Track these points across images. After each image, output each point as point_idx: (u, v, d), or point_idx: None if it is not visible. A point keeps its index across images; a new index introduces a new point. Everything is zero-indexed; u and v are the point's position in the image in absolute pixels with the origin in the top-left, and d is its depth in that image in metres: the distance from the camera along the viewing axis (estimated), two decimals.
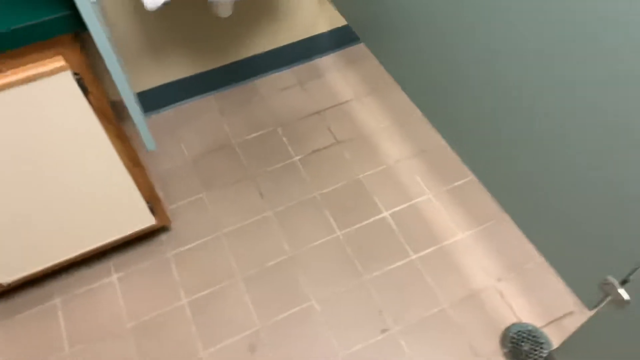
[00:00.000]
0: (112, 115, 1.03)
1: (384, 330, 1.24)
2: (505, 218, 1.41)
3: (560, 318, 1.25)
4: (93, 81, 0.96)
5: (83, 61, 0.92)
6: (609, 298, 0.89)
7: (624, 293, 0.85)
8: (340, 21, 1.79)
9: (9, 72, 0.86)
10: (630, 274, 0.83)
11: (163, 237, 1.42)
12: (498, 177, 1.10)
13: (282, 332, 1.25)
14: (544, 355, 1.18)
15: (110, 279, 1.35)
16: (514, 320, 1.25)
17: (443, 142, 1.57)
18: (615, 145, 0.75)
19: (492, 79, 0.98)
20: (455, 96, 1.12)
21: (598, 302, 0.93)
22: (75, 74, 0.91)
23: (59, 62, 0.88)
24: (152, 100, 1.68)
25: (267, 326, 1.26)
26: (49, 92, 0.91)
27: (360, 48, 1.85)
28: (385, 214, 1.44)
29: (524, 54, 0.87)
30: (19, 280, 1.24)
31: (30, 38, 0.83)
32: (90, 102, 0.97)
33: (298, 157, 1.57)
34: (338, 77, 1.78)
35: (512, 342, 1.21)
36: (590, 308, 0.97)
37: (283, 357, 1.21)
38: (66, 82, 0.91)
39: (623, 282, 0.85)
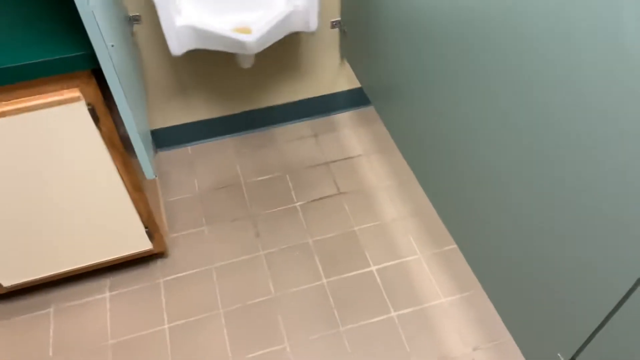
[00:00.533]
0: (120, 144, 1.14)
1: None
2: None
3: None
4: (104, 113, 1.07)
5: (97, 94, 1.03)
6: None
7: None
8: (358, 83, 1.89)
9: (31, 98, 0.98)
10: (576, 354, 0.84)
11: (159, 262, 1.49)
12: (476, 249, 1.13)
13: None
14: None
15: (103, 295, 1.43)
16: None
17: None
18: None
19: (482, 167, 1.03)
20: (441, 166, 1.18)
21: None
22: (88, 104, 1.03)
23: (75, 93, 1.00)
24: (174, 136, 1.80)
25: None
26: (64, 118, 1.03)
27: (374, 110, 1.94)
28: (373, 268, 1.48)
29: (511, 145, 0.92)
30: (18, 284, 1.34)
31: (53, 70, 0.95)
32: (100, 131, 1.08)
33: (299, 203, 1.64)
34: (350, 133, 1.86)
35: None
36: None
37: None
38: (80, 111, 1.03)
39: None
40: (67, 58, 0.94)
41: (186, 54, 1.59)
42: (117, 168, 1.17)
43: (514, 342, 1.31)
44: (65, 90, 1.00)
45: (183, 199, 1.66)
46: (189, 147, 1.83)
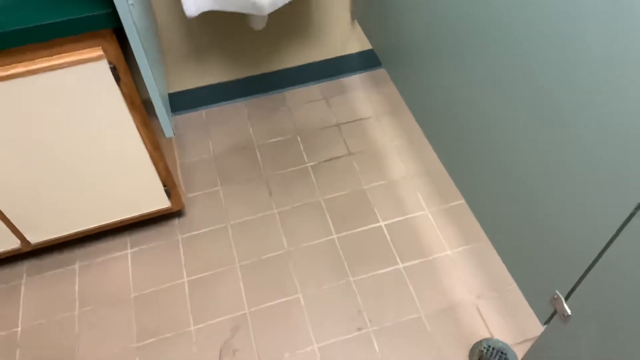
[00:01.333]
0: (140, 103, 1.19)
1: (359, 329, 1.33)
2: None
3: (532, 339, 1.29)
4: (126, 72, 1.12)
5: (119, 54, 1.08)
6: (556, 313, 0.95)
7: (567, 308, 0.91)
8: (369, 45, 1.92)
9: (55, 57, 1.03)
10: (572, 290, 0.90)
11: (176, 221, 1.56)
12: (480, 199, 1.18)
13: (266, 319, 1.35)
14: None
15: (125, 252, 1.50)
16: (487, 335, 1.31)
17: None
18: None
19: (485, 121, 1.07)
20: (454, 128, 1.22)
21: (549, 317, 0.99)
22: (110, 63, 1.08)
23: (97, 51, 1.05)
24: (190, 99, 1.85)
25: (254, 311, 1.37)
26: (87, 76, 1.08)
27: (384, 72, 1.97)
28: (382, 223, 1.54)
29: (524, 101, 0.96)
30: (44, 242, 1.42)
31: (76, 30, 1.00)
32: (121, 90, 1.13)
33: (311, 164, 1.69)
34: (361, 96, 1.90)
35: (480, 356, 1.26)
36: (543, 323, 1.02)
37: (261, 340, 1.32)
38: (102, 70, 1.08)
39: (567, 297, 0.92)
40: (89, 17, 0.99)
41: (200, 18, 1.62)
42: (137, 127, 1.22)
43: (514, 291, 1.38)
44: (88, 49, 1.04)
45: (198, 161, 1.72)
46: (202, 111, 1.87)
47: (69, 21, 0.98)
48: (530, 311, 1.34)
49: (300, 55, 1.87)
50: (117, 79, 1.11)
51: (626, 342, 0.80)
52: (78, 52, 1.04)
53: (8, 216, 1.29)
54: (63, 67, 1.05)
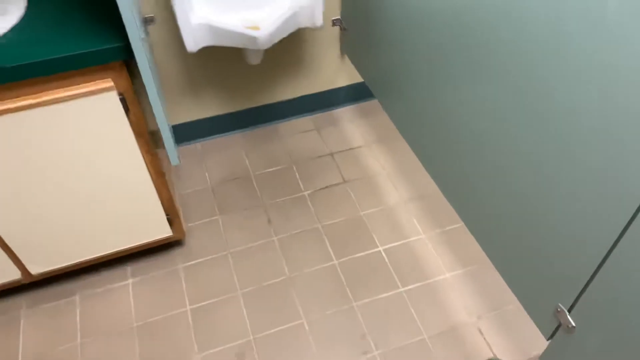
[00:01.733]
0: (146, 133, 1.22)
1: (364, 352, 1.34)
2: (488, 263, 1.51)
3: (535, 357, 1.31)
4: (134, 103, 1.15)
5: (128, 85, 1.12)
6: (561, 326, 0.99)
7: (571, 320, 0.95)
8: (358, 78, 1.99)
9: (67, 88, 1.06)
10: (575, 301, 0.93)
11: (177, 250, 1.57)
12: (479, 220, 1.22)
13: (271, 345, 1.35)
14: None
15: (126, 282, 1.50)
16: (490, 355, 1.33)
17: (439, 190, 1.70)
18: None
19: (486, 140, 1.13)
20: (449, 151, 1.28)
21: (553, 331, 1.03)
22: (120, 94, 1.11)
23: (107, 83, 1.08)
24: (185, 132, 1.88)
25: (258, 338, 1.37)
26: (97, 107, 1.11)
27: (373, 103, 2.04)
28: (380, 248, 1.57)
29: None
30: (45, 272, 1.41)
31: (89, 62, 1.04)
32: (129, 119, 1.16)
33: (307, 192, 1.73)
34: (351, 126, 1.96)
35: None
36: (547, 338, 1.05)
37: None
38: (111, 101, 1.11)
39: (570, 309, 0.95)
40: (103, 50, 1.03)
41: (197, 53, 1.67)
42: (143, 156, 1.25)
43: (514, 310, 1.41)
44: (98, 81, 1.08)
45: (196, 192, 1.74)
46: (198, 143, 1.91)
47: (84, 54, 1.02)
48: (532, 329, 1.37)
49: (292, 88, 1.93)
50: (126, 110, 1.14)
51: (632, 349, 0.83)
52: (89, 83, 1.08)
53: (11, 246, 1.29)
54: (74, 99, 1.08)
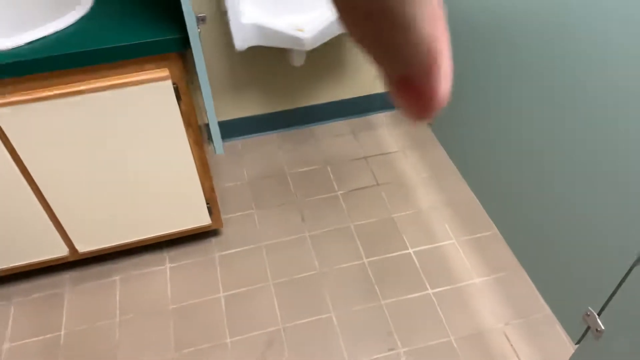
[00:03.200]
0: (195, 122, 1.29)
1: (390, 349, 1.36)
2: (518, 271, 1.52)
3: None
4: (185, 93, 1.22)
5: (182, 75, 1.19)
6: (589, 329, 1.00)
7: (600, 323, 0.96)
8: None
9: (128, 75, 1.14)
10: (605, 305, 0.95)
11: (213, 239, 1.63)
12: (514, 227, 1.24)
13: (299, 335, 1.39)
14: None
15: (164, 267, 1.57)
16: None
17: (473, 197, 1.71)
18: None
19: (526, 147, 1.16)
20: (489, 159, 1.31)
21: (582, 334, 1.04)
22: (174, 84, 1.18)
23: (164, 72, 1.16)
24: (226, 129, 1.96)
25: (288, 327, 1.41)
26: (152, 95, 1.18)
27: None
28: (410, 250, 1.59)
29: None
30: (91, 251, 1.49)
31: (149, 51, 1.11)
32: (180, 108, 1.23)
33: (340, 192, 1.77)
34: (387, 132, 2.00)
35: None
36: (575, 342, 1.06)
37: (294, 355, 1.35)
38: (166, 89, 1.19)
39: (600, 312, 0.96)
40: (163, 40, 1.10)
41: (242, 54, 1.75)
42: (190, 145, 1.32)
43: (542, 318, 1.41)
44: (156, 70, 1.15)
45: (233, 186, 1.81)
46: (238, 141, 1.98)
47: (145, 44, 1.09)
48: (558, 337, 1.37)
49: (331, 92, 1.99)
50: (178, 98, 1.21)
51: None
52: (147, 71, 1.15)
53: (63, 224, 1.37)
54: (132, 85, 1.15)
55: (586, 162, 0.92)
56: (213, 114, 1.23)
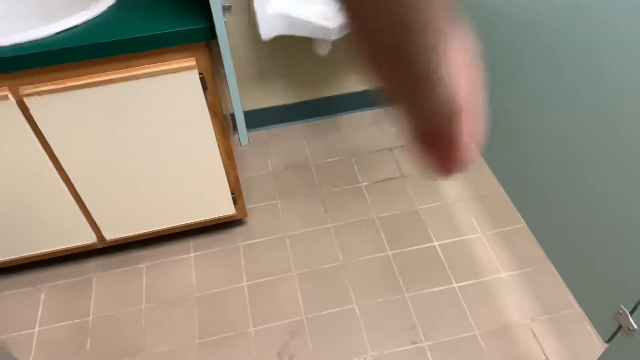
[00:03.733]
0: (221, 113, 1.29)
1: (413, 342, 1.35)
2: (546, 266, 1.49)
3: None
4: (212, 82, 1.22)
5: (208, 66, 1.19)
6: (621, 328, 0.97)
7: (633, 322, 0.93)
8: None
9: (156, 64, 1.15)
10: (639, 303, 0.92)
11: (237, 229, 1.64)
12: (544, 222, 1.21)
13: (322, 325, 1.39)
14: None
15: (189, 255, 1.58)
16: (542, 358, 1.31)
17: (500, 190, 1.68)
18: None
19: (558, 141, 1.13)
20: (518, 151, 1.27)
21: (613, 333, 1.01)
22: (200, 73, 1.18)
23: (191, 62, 1.16)
24: (251, 119, 1.96)
25: (311, 318, 1.41)
26: (179, 84, 1.19)
27: None
28: (435, 243, 1.57)
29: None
30: (117, 239, 1.51)
31: (176, 41, 1.11)
32: (206, 98, 1.24)
33: (364, 184, 1.76)
34: None
35: None
36: (606, 340, 1.04)
37: (317, 346, 1.35)
38: (193, 79, 1.19)
39: (633, 311, 0.94)
40: (189, 30, 1.10)
41: (267, 43, 1.74)
42: (216, 134, 1.32)
43: (570, 315, 1.38)
44: (183, 59, 1.15)
45: (258, 176, 1.81)
46: (262, 131, 1.98)
47: (172, 33, 1.10)
48: (587, 335, 1.34)
49: (356, 82, 1.96)
50: (204, 88, 1.21)
51: None
52: (174, 61, 1.15)
53: (91, 211, 1.39)
54: (159, 75, 1.16)
55: (621, 154, 0.89)
56: (238, 104, 1.23)
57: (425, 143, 0.21)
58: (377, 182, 1.76)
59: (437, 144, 0.21)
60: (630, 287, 0.94)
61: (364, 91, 2.00)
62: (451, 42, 0.19)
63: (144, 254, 1.59)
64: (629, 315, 0.94)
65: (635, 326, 0.93)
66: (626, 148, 0.88)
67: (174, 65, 1.15)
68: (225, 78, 1.21)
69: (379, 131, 1.94)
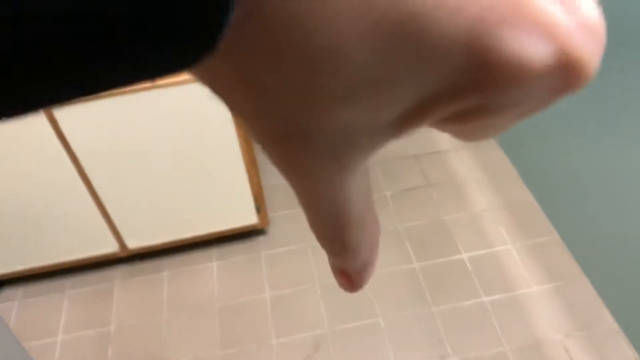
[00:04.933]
0: None
1: (442, 357, 1.31)
2: (580, 279, 1.43)
3: None
4: None
5: None
6: None
7: None
8: None
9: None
10: None
11: (260, 238, 1.62)
12: (580, 236, 1.17)
13: (346, 339, 1.36)
14: None
15: (211, 264, 1.56)
16: None
17: (531, 200, 1.63)
18: None
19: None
20: (551, 160, 1.23)
21: None
22: None
23: None
24: None
25: (334, 330, 1.38)
26: (202, 91, 1.17)
27: None
28: (464, 255, 1.53)
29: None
30: (140, 248, 1.50)
31: None
32: None
33: (388, 192, 1.72)
34: None
35: None
36: None
37: (342, 359, 1.32)
38: None
39: None
40: None
41: None
42: (240, 143, 1.30)
43: (605, 331, 1.32)
44: None
45: (280, 184, 1.78)
46: None
47: None
48: (624, 352, 1.28)
49: None
50: None
51: None
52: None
53: (114, 220, 1.38)
54: (182, 84, 1.14)
55: None
56: None
57: (336, 273, 0.19)
58: (402, 190, 1.72)
59: (345, 277, 0.18)
60: None
61: None
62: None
63: (166, 263, 1.58)
64: None
65: None
66: None
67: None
68: None
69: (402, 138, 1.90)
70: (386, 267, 1.51)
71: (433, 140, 1.88)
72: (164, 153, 1.27)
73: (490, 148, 1.83)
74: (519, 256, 1.51)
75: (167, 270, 1.56)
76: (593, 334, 1.33)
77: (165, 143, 1.25)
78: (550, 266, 1.48)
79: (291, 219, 1.67)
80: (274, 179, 1.79)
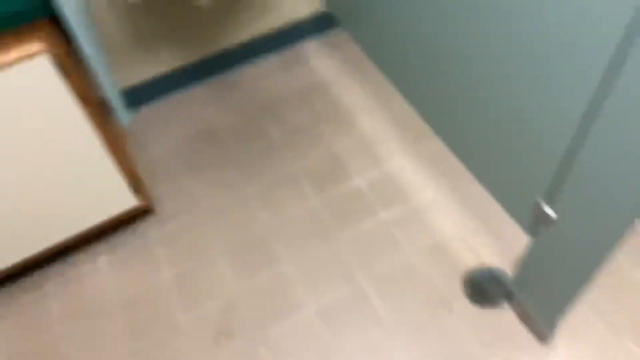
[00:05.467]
0: (93, 98, 1.13)
1: (355, 284, 1.34)
2: (466, 174, 1.52)
3: (521, 257, 1.35)
4: (74, 66, 1.05)
5: (61, 45, 1.02)
6: (542, 220, 1.00)
7: (550, 211, 0.96)
8: (319, 5, 1.87)
9: None
10: (553, 192, 0.94)
11: (152, 219, 1.50)
12: (453, 130, 1.21)
13: (256, 294, 1.34)
14: (505, 291, 1.28)
15: (101, 259, 1.43)
16: (477, 263, 1.35)
17: (411, 110, 1.68)
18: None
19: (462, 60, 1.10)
20: (420, 64, 1.24)
21: (534, 226, 1.04)
22: (53, 58, 1.01)
23: (37, 46, 0.98)
24: (142, 93, 1.76)
25: (242, 291, 1.34)
26: (29, 75, 1.00)
27: (338, 35, 1.95)
28: (360, 181, 1.54)
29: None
30: (13, 267, 1.32)
31: (6, 24, 0.93)
32: (69, 84, 1.07)
33: (278, 137, 1.66)
34: (319, 62, 1.87)
35: (475, 283, 1.31)
36: (529, 234, 1.07)
37: (255, 316, 1.30)
38: (44, 66, 1.01)
39: (549, 201, 0.96)
40: (25, 6, 0.92)
41: (139, 4, 1.54)
42: (92, 124, 1.16)
43: (496, 218, 1.43)
44: (26, 45, 0.98)
45: (161, 155, 1.65)
46: (159, 103, 1.80)
47: (2, 15, 0.91)
48: (516, 230, 1.40)
49: (249, 27, 1.81)
50: (64, 73, 1.05)
51: (609, 233, 0.84)
52: (13, 50, 0.97)
53: None
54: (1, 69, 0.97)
55: (515, 50, 0.88)
56: (107, 79, 1.07)
57: None
58: (291, 131, 1.68)
59: None
60: (540, 175, 0.96)
61: (260, 36, 1.85)
62: None
63: (49, 271, 1.42)
64: (546, 205, 0.97)
65: (554, 216, 0.96)
66: (522, 43, 0.87)
67: (14, 55, 0.97)
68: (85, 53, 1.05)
69: (285, 77, 1.83)
70: (288, 212, 1.49)
71: (316, 74, 1.83)
72: (4, 153, 1.10)
73: (373, 72, 1.82)
74: (410, 166, 1.56)
75: (50, 281, 1.41)
76: (487, 220, 1.43)
77: (5, 141, 1.08)
78: (438, 168, 1.54)
79: (179, 190, 1.56)
80: (153, 150, 1.66)
